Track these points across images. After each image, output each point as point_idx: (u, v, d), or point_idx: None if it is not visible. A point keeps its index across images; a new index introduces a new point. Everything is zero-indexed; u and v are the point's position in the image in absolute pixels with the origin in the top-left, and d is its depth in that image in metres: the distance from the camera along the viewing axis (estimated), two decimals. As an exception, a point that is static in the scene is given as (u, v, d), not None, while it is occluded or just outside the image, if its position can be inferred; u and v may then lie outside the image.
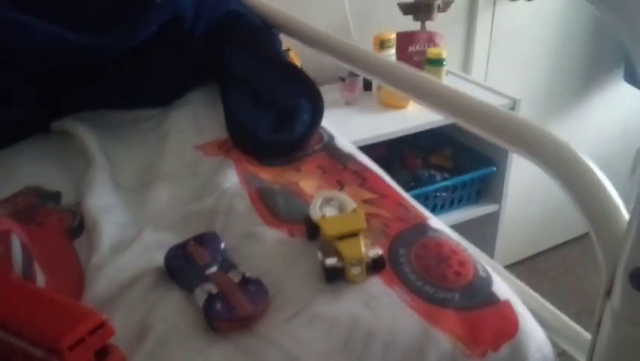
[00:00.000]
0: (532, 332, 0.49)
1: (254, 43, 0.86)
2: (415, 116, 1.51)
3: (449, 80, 1.60)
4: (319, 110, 0.78)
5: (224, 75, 0.84)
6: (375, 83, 1.55)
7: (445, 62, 1.30)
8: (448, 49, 1.34)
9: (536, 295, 0.56)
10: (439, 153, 1.61)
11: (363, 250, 0.52)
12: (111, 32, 0.75)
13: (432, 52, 1.28)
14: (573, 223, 2.15)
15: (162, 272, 0.55)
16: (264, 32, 0.89)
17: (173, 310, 0.51)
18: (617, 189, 0.42)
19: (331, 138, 0.77)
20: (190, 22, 0.81)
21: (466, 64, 1.73)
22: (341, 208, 0.58)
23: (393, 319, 0.49)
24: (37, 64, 0.76)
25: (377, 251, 0.53)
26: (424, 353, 0.46)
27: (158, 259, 0.56)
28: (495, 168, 1.73)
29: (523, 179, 1.76)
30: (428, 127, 1.51)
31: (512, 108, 1.62)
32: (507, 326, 0.49)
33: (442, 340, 0.47)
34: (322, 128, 0.79)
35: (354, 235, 0.53)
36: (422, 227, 0.59)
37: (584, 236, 2.25)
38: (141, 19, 0.76)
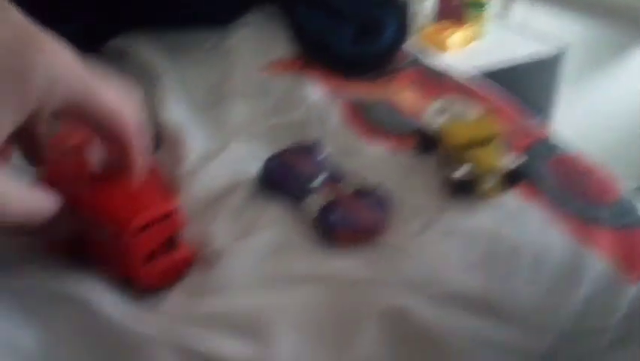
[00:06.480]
0: None
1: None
2: (455, 61, 1.43)
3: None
4: (406, 22, 0.71)
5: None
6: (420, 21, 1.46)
7: (485, 6, 1.22)
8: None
9: None
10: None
11: (498, 158, 0.45)
12: None
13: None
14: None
15: (258, 184, 0.49)
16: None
17: (279, 220, 0.45)
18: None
19: (418, 55, 0.70)
20: None
21: (506, 3, 1.61)
22: (458, 118, 0.51)
23: (540, 235, 0.43)
24: None
25: (515, 160, 0.46)
26: (578, 272, 0.40)
27: (252, 170, 0.49)
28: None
29: (564, 131, 1.69)
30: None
31: (558, 56, 1.54)
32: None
33: (597, 259, 0.41)
34: (406, 47, 0.72)
35: (485, 142, 0.46)
36: (551, 142, 0.53)
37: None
38: None
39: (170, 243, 0.39)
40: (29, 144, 0.39)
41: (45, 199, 0.36)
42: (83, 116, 0.36)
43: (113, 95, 0.37)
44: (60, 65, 0.34)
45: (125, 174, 0.39)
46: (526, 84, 1.58)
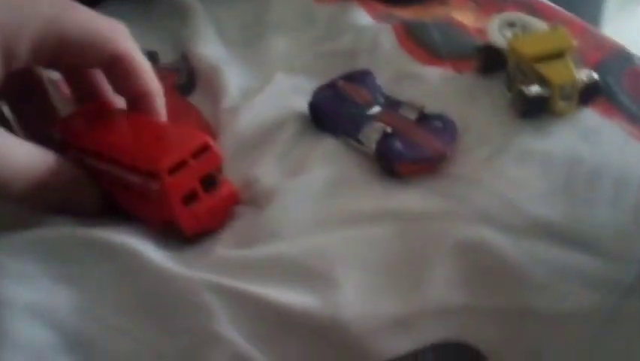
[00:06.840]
0: None
1: None
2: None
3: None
4: None
5: None
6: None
7: None
8: None
9: None
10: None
11: (573, 72, 0.41)
12: None
13: None
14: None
15: (307, 119, 0.45)
16: None
17: (333, 155, 0.42)
18: None
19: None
20: None
21: None
22: (526, 32, 0.46)
23: (621, 155, 0.39)
24: None
25: (589, 74, 0.42)
26: None
27: (299, 104, 0.46)
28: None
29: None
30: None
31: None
32: None
33: None
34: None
35: (558, 56, 0.42)
36: (625, 53, 0.48)
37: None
38: None
39: (210, 181, 0.36)
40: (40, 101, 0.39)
41: (48, 157, 0.35)
42: (72, 46, 0.35)
43: (99, 16, 0.37)
44: None
45: (144, 101, 0.38)
46: (572, 8, 1.50)
